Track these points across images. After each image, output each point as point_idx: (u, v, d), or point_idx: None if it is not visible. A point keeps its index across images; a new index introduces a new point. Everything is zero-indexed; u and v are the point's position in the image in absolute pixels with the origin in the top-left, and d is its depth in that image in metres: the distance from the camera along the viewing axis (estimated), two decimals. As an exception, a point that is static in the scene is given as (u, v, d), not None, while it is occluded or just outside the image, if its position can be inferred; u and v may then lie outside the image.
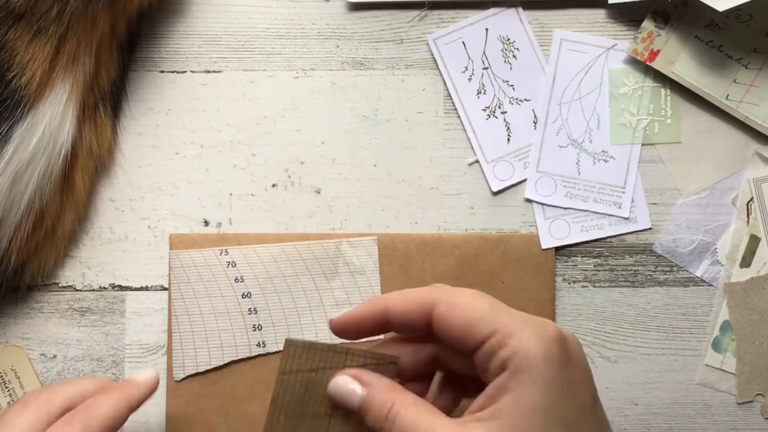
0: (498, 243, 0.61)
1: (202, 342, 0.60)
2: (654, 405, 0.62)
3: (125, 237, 0.62)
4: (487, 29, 0.62)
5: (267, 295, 0.60)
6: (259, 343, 0.60)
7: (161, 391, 0.59)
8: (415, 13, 0.63)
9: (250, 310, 0.60)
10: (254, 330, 0.60)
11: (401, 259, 0.60)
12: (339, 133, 0.62)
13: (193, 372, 0.59)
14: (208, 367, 0.60)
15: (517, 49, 0.62)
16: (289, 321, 0.60)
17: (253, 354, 0.60)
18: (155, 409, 0.60)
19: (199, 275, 0.60)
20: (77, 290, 0.61)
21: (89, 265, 0.61)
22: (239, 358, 0.60)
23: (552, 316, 0.60)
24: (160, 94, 0.62)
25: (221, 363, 0.60)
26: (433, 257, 0.60)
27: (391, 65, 0.63)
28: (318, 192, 0.62)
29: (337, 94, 0.63)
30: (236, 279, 0.60)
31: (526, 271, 0.61)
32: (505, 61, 0.63)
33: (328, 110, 0.62)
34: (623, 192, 0.62)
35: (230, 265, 0.60)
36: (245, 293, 0.60)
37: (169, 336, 0.60)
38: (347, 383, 0.45)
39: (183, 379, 0.59)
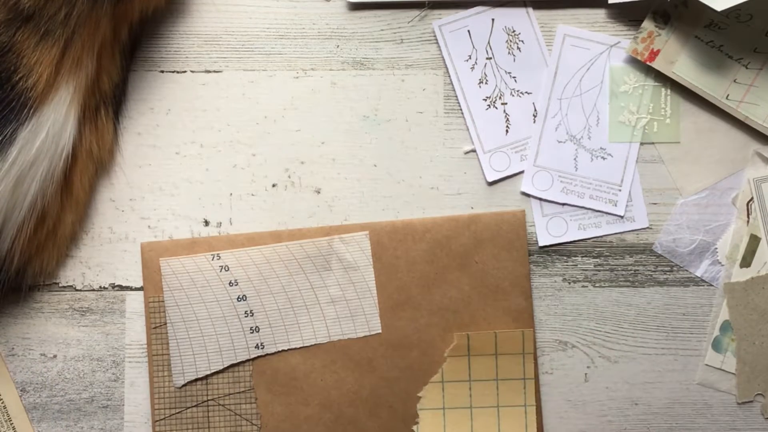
0: (468, 224, 0.61)
1: (200, 348, 0.59)
2: (654, 405, 0.62)
3: (125, 237, 0.62)
4: (493, 19, 0.62)
5: (262, 296, 0.60)
6: (257, 344, 0.60)
7: (144, 396, 0.60)
8: (415, 13, 0.63)
9: (246, 312, 0.60)
10: (252, 332, 0.60)
11: (374, 248, 0.60)
12: (339, 133, 0.62)
13: (193, 378, 0.59)
14: (208, 372, 0.60)
15: (522, 41, 0.62)
16: (286, 321, 0.60)
17: (252, 356, 0.60)
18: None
19: (192, 281, 0.60)
20: (77, 290, 0.61)
21: (89, 265, 0.62)
22: (239, 361, 0.60)
23: (528, 291, 0.61)
24: (160, 94, 0.62)
25: (221, 367, 0.60)
26: (405, 243, 0.60)
27: (391, 65, 0.63)
28: (318, 192, 0.62)
29: (337, 94, 0.63)
30: (230, 283, 0.60)
31: (499, 248, 0.61)
32: (509, 53, 0.63)
33: (328, 110, 0.62)
34: (619, 190, 0.62)
35: (223, 270, 0.60)
36: (240, 296, 0.60)
37: (149, 343, 0.60)
38: None
39: (184, 385, 0.59)
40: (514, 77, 0.63)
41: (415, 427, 0.60)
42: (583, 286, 0.62)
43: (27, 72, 0.54)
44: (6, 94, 0.54)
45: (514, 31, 0.63)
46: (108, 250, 0.62)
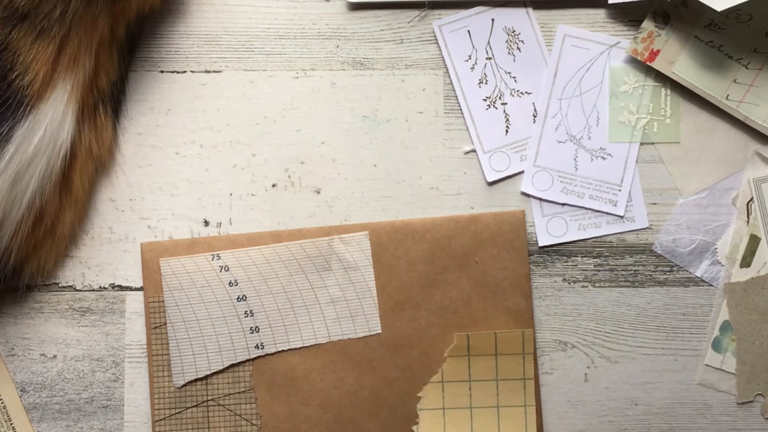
0: (468, 224, 0.61)
1: (200, 348, 0.59)
2: (654, 405, 0.62)
3: (125, 237, 0.62)
4: (493, 19, 0.62)
5: (262, 296, 0.60)
6: (257, 344, 0.60)
7: (144, 396, 0.60)
8: (415, 13, 0.63)
9: (246, 312, 0.60)
10: (252, 332, 0.60)
11: (374, 248, 0.60)
12: (339, 133, 0.62)
13: (192, 378, 0.59)
14: (208, 372, 0.60)
15: (522, 41, 0.62)
16: (285, 321, 0.60)
17: (252, 356, 0.60)
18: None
19: (192, 282, 0.60)
20: (77, 290, 0.61)
21: (89, 265, 0.62)
22: (239, 361, 0.60)
23: (528, 291, 0.61)
24: (160, 94, 0.62)
25: (221, 367, 0.60)
26: (405, 243, 0.60)
27: (391, 65, 0.63)
28: (318, 192, 0.62)
29: (337, 94, 0.63)
30: (230, 283, 0.60)
31: (499, 248, 0.61)
32: (509, 53, 0.63)
33: (328, 110, 0.62)
34: (619, 190, 0.62)
35: (223, 270, 0.60)
36: (240, 296, 0.60)
37: (149, 343, 0.60)
38: None
39: (184, 385, 0.59)
40: (514, 77, 0.63)
41: (414, 427, 0.60)
42: (583, 286, 0.62)
43: (23, 70, 0.54)
44: (2, 92, 0.54)
45: (514, 31, 0.63)
46: (108, 250, 0.62)
